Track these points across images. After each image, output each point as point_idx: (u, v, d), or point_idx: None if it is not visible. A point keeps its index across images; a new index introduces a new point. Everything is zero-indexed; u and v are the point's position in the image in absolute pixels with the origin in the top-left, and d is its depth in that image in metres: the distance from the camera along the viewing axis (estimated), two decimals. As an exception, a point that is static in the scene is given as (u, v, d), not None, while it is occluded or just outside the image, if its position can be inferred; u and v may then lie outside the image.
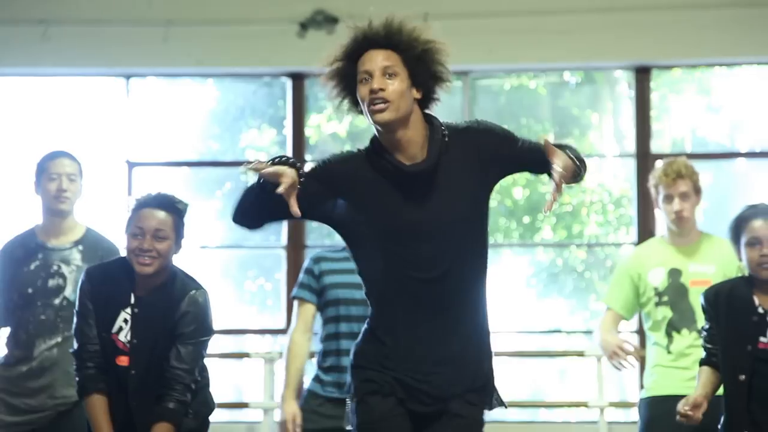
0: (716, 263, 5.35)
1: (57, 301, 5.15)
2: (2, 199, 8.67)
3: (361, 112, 3.58)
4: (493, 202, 7.19)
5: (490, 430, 8.74)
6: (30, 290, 5.17)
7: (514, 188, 9.23)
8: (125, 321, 4.36)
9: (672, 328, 5.36)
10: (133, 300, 4.38)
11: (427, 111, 3.61)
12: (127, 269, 4.38)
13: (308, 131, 8.77)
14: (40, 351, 5.15)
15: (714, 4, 8.27)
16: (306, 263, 5.10)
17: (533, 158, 3.54)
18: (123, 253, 4.47)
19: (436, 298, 3.53)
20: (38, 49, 8.38)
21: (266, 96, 8.96)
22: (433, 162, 3.53)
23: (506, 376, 8.82)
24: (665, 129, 8.78)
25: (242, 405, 7.93)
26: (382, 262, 3.54)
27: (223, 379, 8.79)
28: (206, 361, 4.52)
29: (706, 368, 4.62)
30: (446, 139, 3.56)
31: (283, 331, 8.40)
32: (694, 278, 5.36)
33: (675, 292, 5.37)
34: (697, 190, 5.42)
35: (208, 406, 4.52)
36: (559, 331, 8.87)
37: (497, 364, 3.76)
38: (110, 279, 4.39)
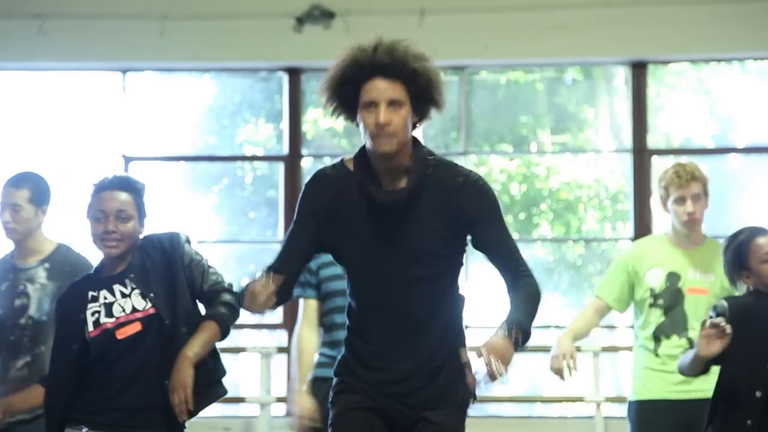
0: (716, 273, 5.23)
1: (22, 321, 5.06)
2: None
3: (353, 120, 3.62)
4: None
5: (486, 425, 8.78)
6: (0, 312, 5.10)
7: (511, 184, 9.23)
8: (93, 314, 4.33)
9: (661, 332, 5.31)
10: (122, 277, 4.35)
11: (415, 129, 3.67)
12: (87, 276, 4.39)
13: (305, 126, 8.77)
14: (13, 373, 5.05)
15: (710, 0, 8.27)
16: None
17: (495, 255, 3.60)
18: (94, 263, 4.46)
19: (402, 318, 3.59)
20: (34, 43, 8.37)
21: (263, 91, 8.96)
22: (409, 193, 3.57)
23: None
24: (662, 124, 8.78)
25: (239, 400, 7.92)
26: (357, 284, 3.63)
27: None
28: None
29: None
30: (431, 170, 3.58)
31: (279, 326, 8.40)
32: (692, 285, 5.31)
33: (671, 297, 5.31)
34: (706, 193, 5.38)
35: (223, 367, 4.51)
36: (557, 327, 8.87)
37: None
38: (73, 295, 4.38)
